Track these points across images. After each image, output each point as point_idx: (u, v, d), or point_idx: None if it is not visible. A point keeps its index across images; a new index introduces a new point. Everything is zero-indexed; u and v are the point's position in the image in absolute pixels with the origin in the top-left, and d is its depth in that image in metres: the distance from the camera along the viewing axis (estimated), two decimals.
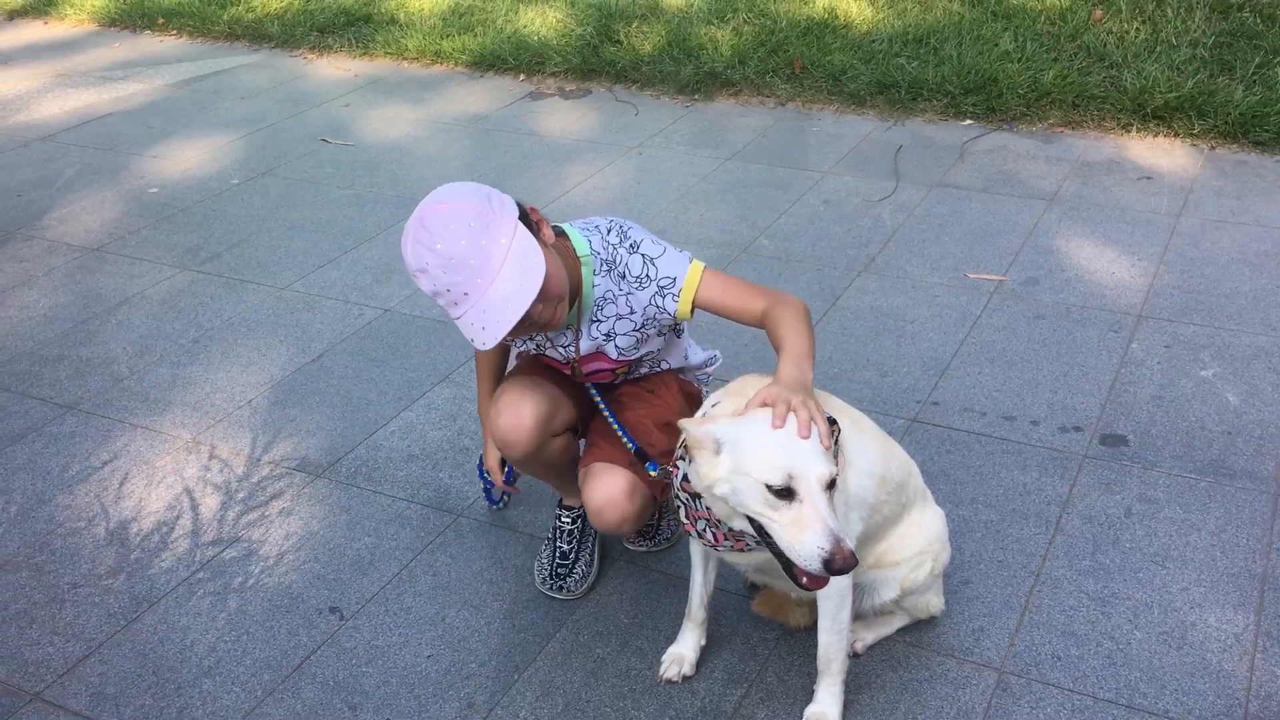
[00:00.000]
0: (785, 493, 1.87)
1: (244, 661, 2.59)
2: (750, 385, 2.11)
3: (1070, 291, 3.86)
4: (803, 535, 1.85)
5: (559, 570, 2.72)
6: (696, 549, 2.38)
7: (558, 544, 2.76)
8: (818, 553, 1.84)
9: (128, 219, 4.89)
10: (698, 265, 2.30)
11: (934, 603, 2.49)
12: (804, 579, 1.92)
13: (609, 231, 2.31)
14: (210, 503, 3.10)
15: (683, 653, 2.46)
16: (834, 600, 2.21)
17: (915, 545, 2.36)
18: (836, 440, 2.04)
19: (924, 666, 2.46)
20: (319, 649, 2.61)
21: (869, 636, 2.50)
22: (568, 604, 2.70)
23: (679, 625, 2.50)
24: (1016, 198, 4.56)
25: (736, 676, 2.47)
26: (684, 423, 2.01)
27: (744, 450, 1.91)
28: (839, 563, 1.83)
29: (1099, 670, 2.42)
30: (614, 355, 2.42)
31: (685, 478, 2.08)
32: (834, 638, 2.25)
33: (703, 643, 2.48)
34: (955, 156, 4.97)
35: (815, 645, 2.28)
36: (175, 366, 3.77)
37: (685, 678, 2.45)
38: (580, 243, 2.31)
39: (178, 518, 3.05)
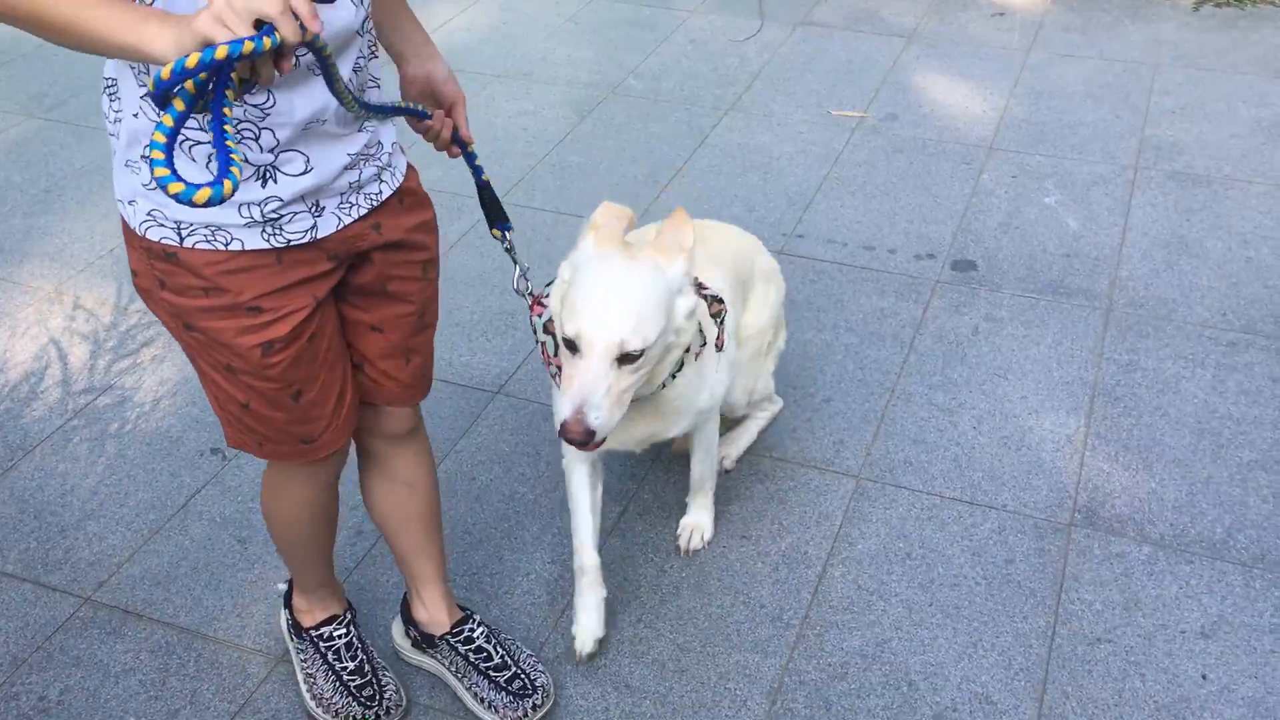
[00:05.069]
0: (572, 345, 1.82)
1: (127, 503, 2.62)
2: (613, 214, 1.95)
3: (927, 126, 4.00)
4: (562, 392, 1.83)
5: (366, 697, 2.11)
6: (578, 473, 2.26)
7: (336, 665, 2.15)
8: (560, 414, 1.81)
9: None
10: None
11: (770, 391, 2.65)
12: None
13: None
14: (79, 352, 3.05)
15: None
16: (706, 432, 2.34)
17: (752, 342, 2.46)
18: (720, 320, 2.09)
19: (789, 477, 2.63)
20: (203, 488, 2.65)
21: (733, 451, 2.65)
22: (450, 436, 2.78)
23: (558, 452, 2.61)
24: (877, 35, 4.64)
25: (615, 495, 2.60)
26: (583, 240, 1.90)
27: (567, 292, 1.86)
28: (568, 431, 1.77)
29: (946, 473, 2.62)
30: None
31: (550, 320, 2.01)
32: (707, 460, 2.39)
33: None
34: None
35: (686, 466, 2.42)
36: (28, 217, 3.64)
37: None
38: None
39: (46, 368, 3.00)
